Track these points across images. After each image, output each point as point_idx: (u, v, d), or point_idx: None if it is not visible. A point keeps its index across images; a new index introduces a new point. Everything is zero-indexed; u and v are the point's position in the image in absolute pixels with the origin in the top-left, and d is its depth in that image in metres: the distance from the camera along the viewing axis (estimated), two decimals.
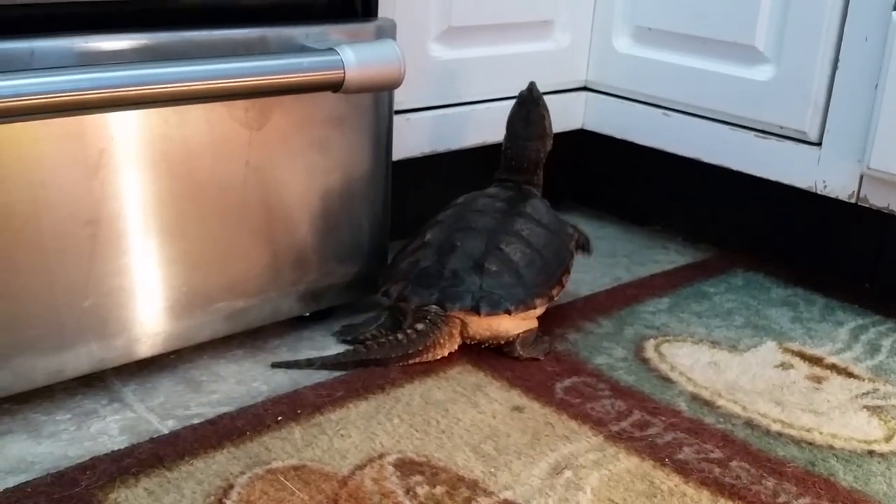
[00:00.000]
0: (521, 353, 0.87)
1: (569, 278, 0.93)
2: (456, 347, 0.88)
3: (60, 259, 0.73)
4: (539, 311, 0.90)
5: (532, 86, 1.00)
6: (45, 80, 0.64)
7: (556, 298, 0.91)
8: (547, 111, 1.00)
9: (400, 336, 0.85)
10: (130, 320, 0.78)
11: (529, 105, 0.99)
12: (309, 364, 0.85)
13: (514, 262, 0.88)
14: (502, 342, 0.88)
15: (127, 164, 0.74)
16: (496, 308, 0.85)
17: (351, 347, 0.87)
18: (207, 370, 0.85)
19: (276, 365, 0.85)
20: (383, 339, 0.85)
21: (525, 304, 0.87)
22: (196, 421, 0.76)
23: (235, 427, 0.75)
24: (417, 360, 0.85)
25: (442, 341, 0.86)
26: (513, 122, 1.00)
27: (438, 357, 0.87)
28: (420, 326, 0.85)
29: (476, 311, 0.85)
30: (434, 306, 0.86)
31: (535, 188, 1.00)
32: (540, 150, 0.99)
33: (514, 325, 0.88)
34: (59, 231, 0.72)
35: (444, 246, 0.90)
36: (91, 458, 0.70)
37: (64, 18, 0.71)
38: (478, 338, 0.88)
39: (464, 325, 0.87)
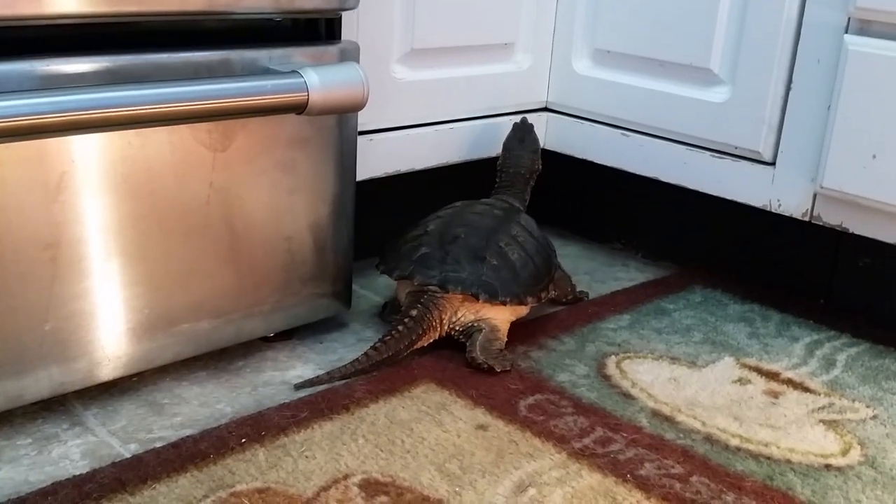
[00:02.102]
0: (479, 357, 0.89)
1: (553, 286, 1.00)
2: (442, 335, 0.92)
3: (21, 283, 0.72)
4: (525, 310, 0.96)
5: (525, 119, 1.15)
6: (4, 104, 0.64)
7: (542, 301, 0.98)
8: (538, 139, 1.14)
9: (400, 327, 0.89)
10: (92, 343, 0.78)
11: (524, 130, 1.13)
12: (329, 378, 0.86)
13: (511, 261, 0.94)
14: (473, 334, 0.92)
15: (88, 186, 0.74)
16: (494, 297, 0.91)
17: (362, 353, 0.89)
18: (170, 393, 0.84)
19: (299, 386, 0.86)
20: (388, 337, 0.89)
21: (519, 300, 0.93)
22: (159, 444, 0.75)
23: (199, 450, 0.74)
24: (419, 344, 0.90)
25: (434, 324, 0.91)
26: (509, 141, 1.13)
27: (430, 341, 0.91)
28: (414, 312, 0.90)
29: (475, 296, 0.90)
30: (433, 287, 0.90)
31: (523, 206, 1.09)
32: (532, 164, 1.11)
33: (498, 315, 0.93)
34: (19, 255, 0.71)
35: (445, 236, 0.95)
36: (53, 484, 0.69)
37: (24, 41, 0.71)
38: (459, 326, 0.92)
39: (454, 310, 0.91)
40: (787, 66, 1.00)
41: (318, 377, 0.87)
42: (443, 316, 0.91)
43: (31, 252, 0.72)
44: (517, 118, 1.16)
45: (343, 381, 0.86)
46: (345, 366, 0.87)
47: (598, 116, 1.19)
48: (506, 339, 0.93)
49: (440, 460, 0.75)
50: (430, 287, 0.91)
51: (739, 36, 1.03)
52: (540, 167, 1.13)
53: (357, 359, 0.88)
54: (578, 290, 1.09)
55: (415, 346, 0.90)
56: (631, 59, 1.14)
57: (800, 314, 1.07)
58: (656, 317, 1.05)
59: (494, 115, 1.17)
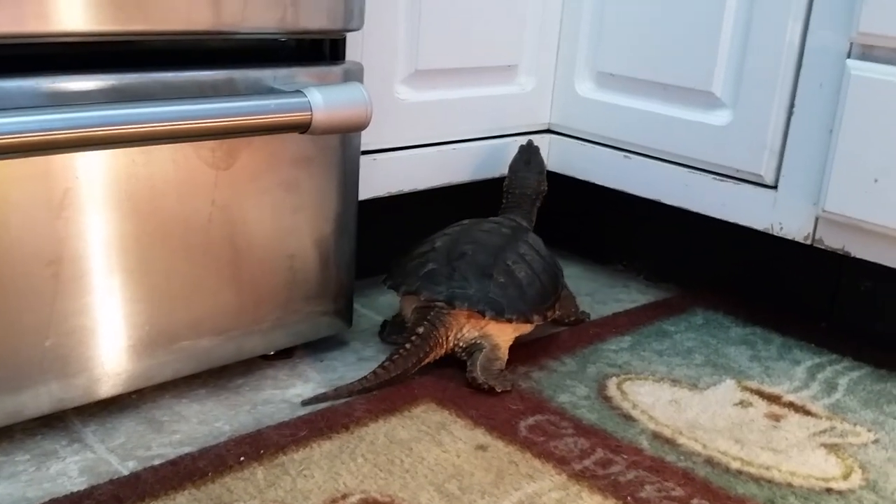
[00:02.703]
0: (480, 377, 0.89)
1: (559, 305, 1.00)
2: (448, 351, 0.92)
3: (23, 299, 0.72)
4: (530, 327, 0.96)
5: (531, 141, 1.16)
6: (10, 120, 0.64)
7: (548, 320, 0.98)
8: (543, 161, 1.15)
9: (408, 346, 0.89)
10: (92, 360, 0.78)
11: (529, 152, 1.14)
12: (336, 395, 0.87)
13: (518, 279, 0.94)
14: (473, 353, 0.91)
15: (92, 203, 0.74)
16: (501, 314, 0.91)
17: (371, 370, 0.89)
18: (169, 410, 0.84)
19: (306, 402, 0.86)
20: (396, 356, 0.89)
21: (525, 317, 0.93)
22: (157, 462, 0.75)
23: (197, 468, 0.74)
24: (427, 361, 0.90)
25: (441, 341, 0.91)
26: (515, 162, 1.14)
27: (437, 358, 0.91)
28: (421, 330, 0.90)
29: (482, 313, 0.90)
30: (439, 303, 0.90)
31: (530, 226, 1.09)
32: (538, 186, 1.12)
33: (501, 332, 0.93)
34: (21, 271, 0.72)
35: (452, 252, 0.95)
36: (50, 500, 0.69)
37: (30, 59, 0.71)
38: (463, 343, 0.92)
39: (459, 326, 0.91)
40: (790, 90, 1.01)
41: (324, 394, 0.87)
42: (448, 333, 0.91)
43: (33, 268, 0.72)
44: (521, 139, 1.17)
45: (343, 401, 0.86)
46: (352, 383, 0.87)
47: (601, 138, 1.19)
48: (506, 358, 0.93)
49: (439, 480, 0.75)
50: (437, 303, 0.91)
51: (742, 60, 1.04)
52: (545, 188, 1.13)
53: (365, 377, 0.88)
54: (580, 311, 1.09)
55: (422, 364, 0.90)
56: (634, 82, 1.15)
57: (801, 337, 1.07)
58: (658, 339, 1.05)
59: (497, 136, 1.18)
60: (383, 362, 0.89)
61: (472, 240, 0.97)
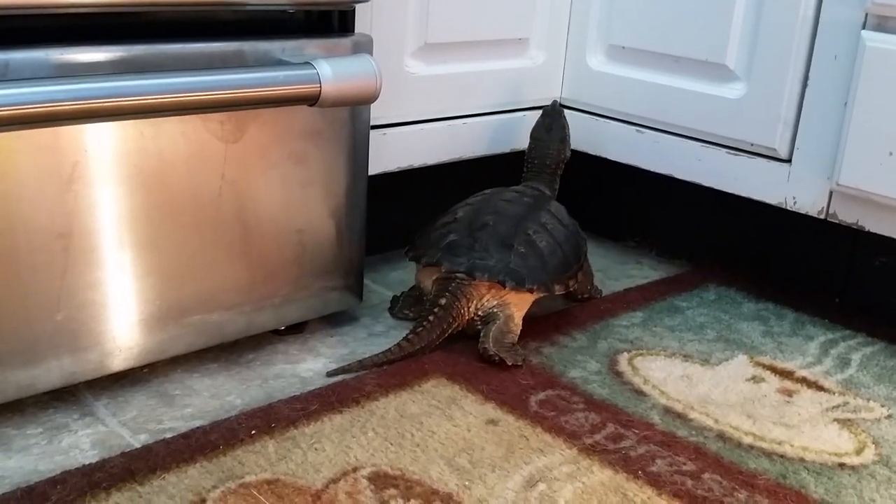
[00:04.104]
0: (491, 348, 0.89)
1: (582, 276, 1.00)
2: (470, 322, 0.92)
3: (33, 273, 0.72)
4: (556, 291, 0.95)
5: (556, 102, 1.13)
6: (19, 91, 0.64)
7: (570, 289, 0.97)
8: (567, 123, 1.12)
9: (431, 318, 0.89)
10: (103, 334, 0.78)
11: (552, 116, 1.11)
12: (361, 366, 0.87)
13: (539, 248, 0.94)
14: (488, 323, 0.91)
15: (101, 176, 0.74)
16: (521, 284, 0.91)
17: (395, 343, 0.89)
18: (181, 384, 0.84)
19: (331, 373, 0.86)
20: (421, 328, 0.89)
21: (546, 287, 0.93)
22: (169, 435, 0.75)
23: (208, 441, 0.74)
24: (449, 333, 0.90)
25: (463, 312, 0.90)
26: (537, 129, 1.11)
27: (459, 329, 0.91)
28: (443, 301, 0.90)
29: (502, 283, 0.90)
30: (460, 274, 0.90)
31: (553, 194, 1.08)
32: (561, 152, 1.10)
33: (521, 302, 0.92)
34: (31, 245, 0.72)
35: (474, 223, 0.95)
36: (62, 473, 0.69)
37: (40, 30, 0.71)
38: (482, 312, 0.91)
39: (480, 297, 0.91)
40: (804, 63, 0.99)
41: (350, 365, 0.87)
42: (469, 304, 0.91)
43: (43, 241, 0.72)
44: (532, 114, 1.16)
45: (353, 375, 0.86)
46: (376, 355, 0.88)
47: (613, 113, 1.18)
48: (519, 331, 0.93)
49: (450, 454, 0.75)
50: (458, 274, 0.91)
51: (756, 31, 1.02)
52: (567, 155, 1.11)
53: (390, 349, 0.88)
54: (596, 288, 1.09)
55: (445, 336, 0.90)
56: (646, 55, 1.14)
57: (815, 313, 1.06)
58: (669, 314, 1.04)
59: (508, 110, 1.17)
60: (407, 335, 0.89)
61: (493, 210, 0.96)
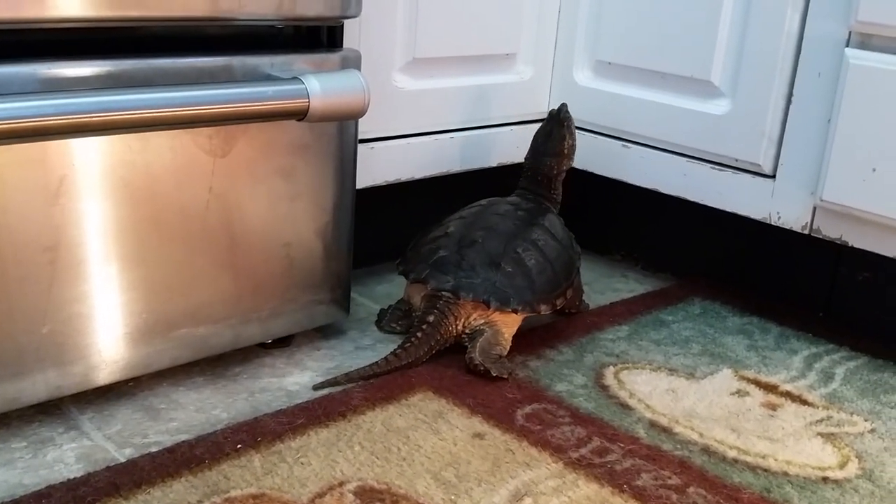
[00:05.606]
0: (477, 358, 0.89)
1: (572, 292, 0.99)
2: (456, 338, 0.92)
3: (19, 285, 0.72)
4: (543, 311, 0.95)
5: (563, 107, 1.07)
6: (7, 105, 0.64)
7: (558, 307, 0.97)
8: (571, 133, 1.07)
9: (419, 334, 0.90)
10: (89, 347, 0.78)
11: (554, 123, 1.07)
12: (348, 379, 0.87)
13: (527, 267, 0.93)
14: (476, 336, 0.91)
15: (88, 190, 0.74)
16: (506, 305, 0.91)
17: (382, 357, 0.89)
18: (166, 398, 0.84)
19: (317, 387, 0.87)
20: (409, 344, 0.89)
21: (531, 307, 0.93)
22: (154, 449, 0.75)
23: (194, 455, 0.74)
24: (437, 349, 0.91)
25: (451, 329, 0.91)
26: (536, 136, 1.08)
27: (447, 346, 0.92)
28: (431, 318, 0.90)
29: (486, 304, 0.90)
30: (447, 293, 0.91)
31: (552, 203, 1.07)
32: (554, 167, 1.07)
33: (507, 321, 0.93)
34: (18, 257, 0.71)
35: (464, 240, 0.95)
36: (47, 487, 0.69)
37: (27, 45, 0.71)
38: (469, 330, 0.92)
39: (466, 315, 0.91)
40: (788, 79, 1.00)
41: (336, 378, 0.87)
42: (457, 322, 0.91)
43: (30, 255, 0.72)
44: (519, 129, 1.16)
45: (340, 389, 0.86)
46: (363, 368, 0.88)
47: (599, 127, 1.19)
48: (508, 346, 0.93)
49: (436, 468, 0.75)
50: (444, 293, 0.91)
51: (740, 48, 1.04)
52: (567, 164, 1.07)
53: (377, 362, 0.88)
54: (584, 303, 1.09)
55: (433, 352, 0.90)
56: (632, 71, 1.15)
57: (799, 327, 1.07)
58: (655, 328, 1.05)
59: (495, 125, 1.17)
60: (395, 349, 0.89)
61: (485, 225, 0.97)
